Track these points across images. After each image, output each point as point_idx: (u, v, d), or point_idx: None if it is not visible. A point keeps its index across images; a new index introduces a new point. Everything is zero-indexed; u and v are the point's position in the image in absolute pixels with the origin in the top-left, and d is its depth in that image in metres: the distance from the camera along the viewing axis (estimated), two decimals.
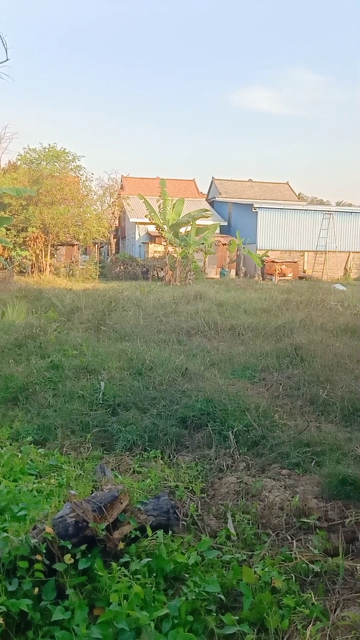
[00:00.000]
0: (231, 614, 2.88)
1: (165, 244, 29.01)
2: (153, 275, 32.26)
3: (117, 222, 44.08)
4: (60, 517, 3.20)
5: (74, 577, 2.96)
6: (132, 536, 3.40)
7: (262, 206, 36.76)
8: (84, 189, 33.78)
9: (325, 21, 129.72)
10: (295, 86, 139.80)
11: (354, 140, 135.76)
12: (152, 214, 27.56)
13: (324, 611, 2.86)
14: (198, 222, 28.33)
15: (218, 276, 34.41)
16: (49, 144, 31.94)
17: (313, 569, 3.28)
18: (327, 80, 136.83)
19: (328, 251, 36.34)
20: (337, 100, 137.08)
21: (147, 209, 27.57)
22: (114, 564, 3.04)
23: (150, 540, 3.45)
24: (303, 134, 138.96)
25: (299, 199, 52.24)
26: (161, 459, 5.07)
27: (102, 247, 45.10)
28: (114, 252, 42.32)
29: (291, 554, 3.44)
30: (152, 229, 35.34)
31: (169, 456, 5.16)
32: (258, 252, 34.04)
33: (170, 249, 28.48)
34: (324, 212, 37.36)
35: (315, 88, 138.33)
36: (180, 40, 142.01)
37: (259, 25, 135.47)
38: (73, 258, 35.50)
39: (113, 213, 41.47)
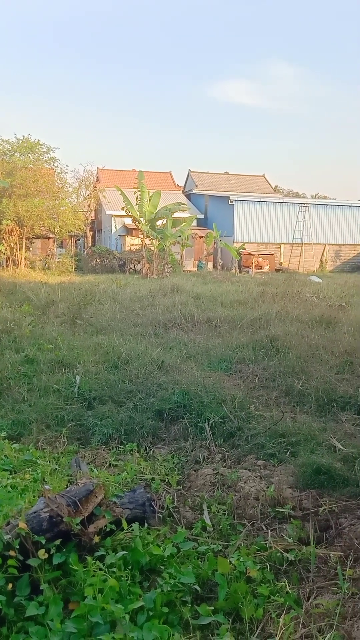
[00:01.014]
0: (206, 604, 2.89)
1: (142, 236, 28.86)
2: (130, 268, 32.09)
3: (93, 214, 43.66)
4: (34, 512, 3.17)
5: (49, 572, 2.94)
6: (108, 530, 3.38)
7: (238, 199, 36.80)
8: (58, 181, 33.34)
9: (303, 14, 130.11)
10: (272, 79, 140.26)
11: (330, 133, 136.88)
12: (129, 207, 27.37)
13: (297, 599, 2.90)
14: (175, 214, 28.26)
15: (195, 269, 34.40)
16: (23, 135, 31.44)
17: (287, 557, 3.32)
18: (304, 74, 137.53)
19: (304, 243, 36.61)
20: (315, 94, 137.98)
21: (123, 201, 27.39)
22: (89, 558, 3.02)
23: (126, 533, 3.45)
24: (279, 127, 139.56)
25: (275, 191, 52.47)
26: (137, 452, 5.06)
27: (78, 240, 44.67)
28: (90, 245, 41.95)
29: (266, 544, 3.48)
30: (128, 221, 35.09)
31: (146, 449, 5.16)
32: (235, 244, 34.13)
33: (147, 241, 28.36)
34: (300, 204, 37.59)
35: (293, 81, 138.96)
36: (156, 32, 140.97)
37: (236, 18, 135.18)
38: (49, 251, 35.07)
39: (89, 205, 41.04)
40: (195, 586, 3.02)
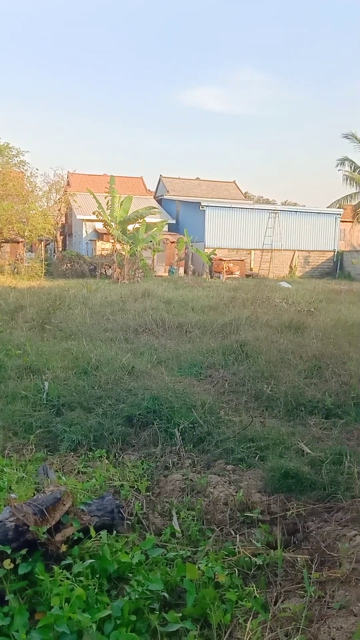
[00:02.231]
0: (174, 611, 2.88)
1: (113, 241, 28.80)
2: (101, 273, 31.94)
3: (63, 219, 43.34)
4: (0, 521, 3.11)
5: (14, 583, 2.89)
6: (75, 538, 3.34)
7: (209, 204, 37.06)
8: (28, 184, 33.06)
9: (273, 22, 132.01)
10: (242, 86, 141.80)
11: (300, 140, 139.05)
12: (100, 211, 27.29)
13: (265, 604, 2.91)
14: (146, 219, 28.27)
15: (167, 274, 34.45)
16: None
17: (256, 562, 3.33)
18: (273, 81, 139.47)
19: (274, 249, 37.06)
20: (284, 101, 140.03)
21: (96, 206, 27.27)
22: (55, 567, 2.98)
23: (94, 541, 3.41)
24: (250, 134, 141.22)
25: (245, 197, 53.00)
26: (106, 459, 5.02)
27: (49, 244, 44.26)
28: (60, 249, 41.58)
29: (234, 549, 3.48)
30: (99, 226, 34.94)
31: (115, 455, 5.12)
32: (206, 250, 34.34)
33: (118, 246, 28.30)
34: (270, 211, 38.06)
35: (263, 88, 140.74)
36: (128, 37, 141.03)
37: (207, 25, 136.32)
38: (18, 255, 34.63)
39: (59, 210, 40.73)
40: (163, 593, 3.00)
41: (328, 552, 3.33)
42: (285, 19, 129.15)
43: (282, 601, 2.95)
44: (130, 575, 3.16)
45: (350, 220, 40.79)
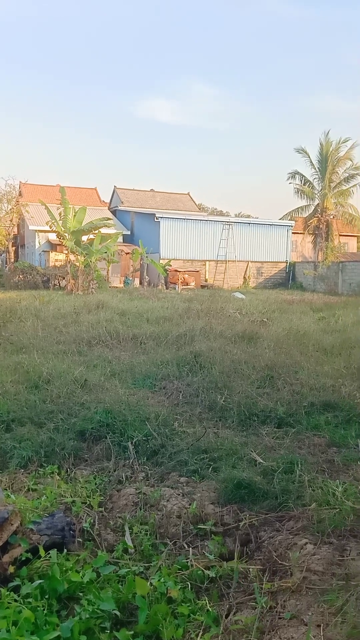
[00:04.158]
0: (126, 629, 2.83)
1: (66, 252, 28.45)
2: (54, 284, 31.48)
3: (15, 229, 42.57)
4: None
5: None
6: (24, 558, 3.25)
7: (164, 216, 37.22)
8: None
9: (222, 37, 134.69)
10: (194, 99, 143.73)
11: (252, 153, 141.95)
12: (53, 222, 26.96)
13: (217, 617, 2.90)
14: (101, 230, 28.12)
15: (122, 285, 34.31)
16: None
17: (208, 575, 3.32)
18: (224, 94, 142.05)
19: (228, 261, 37.54)
20: (235, 114, 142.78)
21: (49, 216, 26.93)
22: (2, 590, 2.88)
23: (44, 560, 3.32)
24: (203, 146, 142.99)
25: (199, 209, 53.58)
26: (58, 475, 4.91)
27: (0, 255, 43.33)
28: (12, 260, 40.76)
29: (187, 562, 3.46)
30: (53, 237, 34.46)
31: (67, 471, 5.02)
32: (161, 261, 34.41)
33: (72, 257, 27.98)
34: (224, 222, 38.59)
35: (214, 101, 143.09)
36: (82, 46, 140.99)
37: (158, 37, 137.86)
38: None
39: (11, 220, 39.98)
40: (115, 611, 2.95)
41: (280, 562, 3.36)
42: (234, 33, 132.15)
43: (234, 613, 2.94)
44: (81, 594, 3.09)
45: (302, 232, 41.81)
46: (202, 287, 34.42)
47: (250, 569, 3.34)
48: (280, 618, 2.81)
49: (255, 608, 2.93)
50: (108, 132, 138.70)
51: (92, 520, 4.04)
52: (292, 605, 2.89)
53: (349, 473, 4.75)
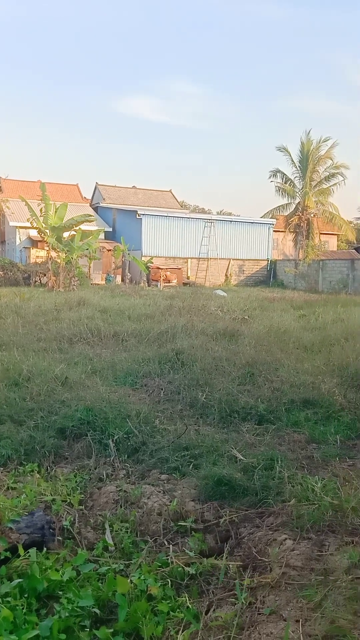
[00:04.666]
0: (106, 627, 2.82)
1: (48, 249, 28.22)
2: (35, 281, 31.22)
3: None
4: None
5: None
6: (3, 557, 3.22)
7: (146, 213, 37.15)
8: None
9: (206, 36, 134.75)
10: (177, 97, 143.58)
11: (235, 151, 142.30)
12: (34, 218, 26.71)
13: (197, 614, 2.91)
14: (82, 227, 27.94)
15: (103, 282, 34.17)
16: None
17: (189, 571, 3.33)
18: (207, 93, 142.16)
19: (210, 258, 37.62)
20: (218, 112, 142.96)
21: (29, 213, 26.67)
22: None
23: (23, 559, 3.29)
24: (186, 144, 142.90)
25: (181, 207, 53.55)
26: (38, 473, 4.87)
27: None
28: None
29: (168, 559, 3.46)
30: (34, 233, 34.17)
31: (47, 469, 4.98)
32: (143, 258, 34.35)
33: (53, 254, 27.76)
34: (206, 220, 38.65)
35: (197, 100, 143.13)
36: (64, 43, 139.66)
37: (142, 35, 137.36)
38: None
39: None
40: (94, 609, 2.94)
41: (259, 558, 3.38)
42: (218, 33, 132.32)
43: (214, 610, 2.96)
44: (61, 593, 3.07)
45: (283, 230, 42.08)
46: (184, 284, 34.45)
47: (230, 565, 3.36)
48: (259, 614, 2.83)
49: (235, 604, 2.94)
50: (90, 129, 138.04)
51: (72, 519, 4.02)
52: (271, 601, 2.91)
53: (328, 469, 4.80)
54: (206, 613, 2.93)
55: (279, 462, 4.72)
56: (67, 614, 2.83)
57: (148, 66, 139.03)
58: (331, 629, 2.58)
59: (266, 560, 3.33)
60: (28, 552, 3.33)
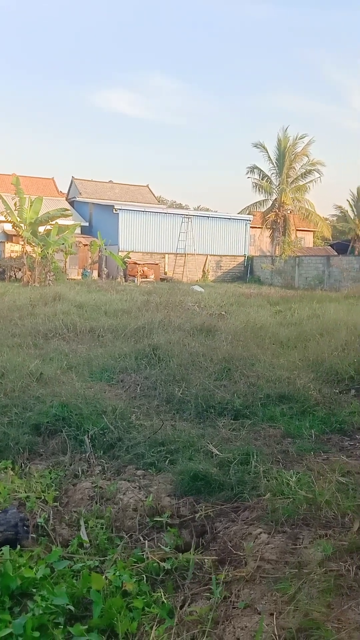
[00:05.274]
0: (80, 624, 2.80)
1: (23, 243, 27.85)
2: (10, 276, 30.82)
3: None
4: None
5: None
6: None
7: (123, 208, 36.93)
8: None
9: (183, 32, 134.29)
10: (155, 92, 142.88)
11: (212, 147, 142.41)
12: (9, 212, 26.33)
13: (172, 609, 2.91)
14: (58, 221, 27.64)
15: (80, 277, 33.88)
16: None
17: (164, 567, 3.33)
18: (185, 88, 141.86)
19: (187, 254, 37.62)
20: (195, 108, 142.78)
21: (3, 206, 26.28)
22: None
23: None
24: (163, 139, 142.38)
25: (158, 202, 53.39)
26: (12, 470, 4.80)
27: None
28: None
29: (143, 555, 3.46)
30: (8, 227, 33.66)
31: (21, 466, 4.92)
32: (120, 253, 34.16)
33: (28, 248, 27.40)
34: (183, 216, 38.60)
35: (175, 95, 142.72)
36: (39, 35, 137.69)
37: (119, 28, 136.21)
38: None
39: None
40: (69, 606, 2.91)
41: (235, 552, 3.39)
42: (196, 29, 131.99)
43: (189, 604, 2.96)
44: (35, 590, 3.04)
45: (260, 226, 42.32)
46: (162, 280, 34.38)
47: (206, 560, 3.37)
48: (234, 608, 2.84)
49: (210, 599, 2.95)
50: (66, 122, 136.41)
51: (46, 516, 3.98)
52: (246, 595, 2.92)
53: (302, 463, 4.84)
54: (181, 608, 2.93)
55: (255, 456, 4.74)
56: (41, 612, 2.80)
57: (126, 60, 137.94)
58: (305, 622, 2.60)
59: (241, 554, 3.35)
60: (1, 550, 3.29)
